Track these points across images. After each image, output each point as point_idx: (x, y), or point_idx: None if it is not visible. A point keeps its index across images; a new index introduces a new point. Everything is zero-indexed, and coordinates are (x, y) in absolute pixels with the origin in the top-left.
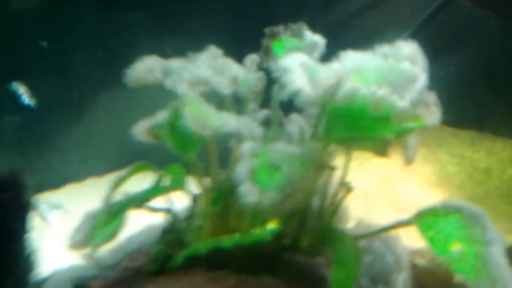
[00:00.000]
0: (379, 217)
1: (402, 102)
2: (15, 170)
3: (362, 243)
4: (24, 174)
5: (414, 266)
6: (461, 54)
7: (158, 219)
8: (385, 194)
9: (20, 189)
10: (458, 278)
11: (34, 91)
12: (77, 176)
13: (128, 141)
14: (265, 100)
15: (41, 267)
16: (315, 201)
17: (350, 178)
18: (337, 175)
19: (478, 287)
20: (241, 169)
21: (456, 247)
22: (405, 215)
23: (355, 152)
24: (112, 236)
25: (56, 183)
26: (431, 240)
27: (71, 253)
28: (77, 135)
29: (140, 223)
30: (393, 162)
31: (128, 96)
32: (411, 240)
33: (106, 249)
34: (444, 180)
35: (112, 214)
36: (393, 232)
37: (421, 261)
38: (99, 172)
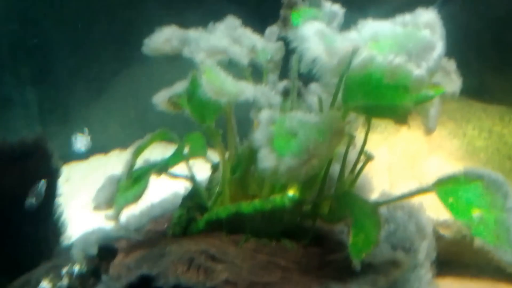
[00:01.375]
0: (403, 191)
1: (418, 71)
2: (41, 137)
3: (385, 212)
4: (49, 141)
5: (439, 237)
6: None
7: (180, 188)
8: (409, 168)
9: (47, 155)
10: (478, 242)
11: (55, 65)
12: (102, 148)
13: (150, 114)
14: (284, 71)
15: (69, 231)
16: (335, 170)
17: (374, 152)
18: (358, 144)
19: (498, 252)
20: (259, 136)
21: (476, 213)
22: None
23: (380, 127)
24: (134, 199)
25: (82, 154)
26: (451, 206)
27: (96, 214)
28: (99, 108)
29: (162, 191)
30: (418, 136)
31: (148, 70)
32: (436, 212)
33: (130, 214)
34: (471, 154)
35: (134, 179)
36: (416, 203)
37: (446, 233)
38: (123, 144)
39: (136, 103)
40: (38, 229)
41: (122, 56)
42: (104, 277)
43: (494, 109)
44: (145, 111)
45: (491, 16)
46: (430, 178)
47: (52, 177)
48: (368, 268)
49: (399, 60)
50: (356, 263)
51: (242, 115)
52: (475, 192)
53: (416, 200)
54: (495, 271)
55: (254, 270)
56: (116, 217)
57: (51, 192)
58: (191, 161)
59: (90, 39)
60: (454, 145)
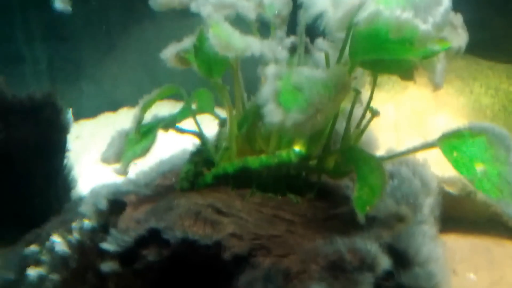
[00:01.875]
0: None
1: (424, 26)
2: (51, 92)
3: (389, 168)
4: (59, 97)
5: (444, 194)
6: None
7: (189, 144)
8: (416, 125)
9: (56, 110)
10: (482, 196)
11: (65, 22)
12: (111, 106)
13: (159, 71)
14: (292, 26)
15: (79, 187)
16: (341, 125)
17: (381, 110)
18: (364, 100)
19: (501, 206)
20: (265, 91)
21: (480, 167)
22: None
23: (387, 85)
24: (142, 153)
25: (91, 112)
26: (455, 160)
27: (105, 170)
28: (108, 66)
29: (171, 147)
30: (425, 94)
31: (157, 28)
32: (441, 169)
33: (139, 170)
34: (477, 112)
35: (142, 133)
36: (421, 159)
37: (451, 189)
38: (132, 102)
39: (146, 61)
40: (48, 184)
41: (132, 13)
42: (113, 231)
43: (501, 67)
44: (154, 69)
45: None
46: (436, 135)
47: (62, 132)
48: (372, 221)
49: (406, 15)
50: (360, 217)
51: (250, 73)
52: (479, 147)
53: (421, 156)
54: (500, 227)
55: (260, 223)
56: (124, 170)
57: (60, 147)
58: (199, 118)
59: None
60: (460, 102)
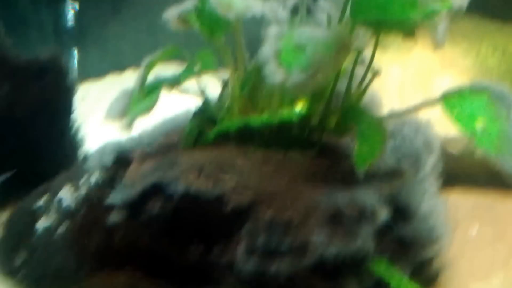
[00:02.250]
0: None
1: None
2: (56, 54)
3: (392, 128)
4: (65, 59)
5: (446, 154)
6: None
7: (191, 105)
8: (421, 86)
9: (62, 71)
10: (480, 152)
11: None
12: (116, 68)
13: (162, 35)
14: None
15: (85, 147)
16: (343, 85)
17: (386, 71)
18: (366, 60)
19: (500, 162)
20: (267, 50)
21: (480, 124)
22: (438, 107)
23: (392, 47)
24: (147, 110)
25: (97, 74)
26: (455, 117)
27: (111, 131)
28: (113, 29)
29: (175, 108)
30: (431, 55)
31: None
32: (445, 129)
33: (142, 130)
34: (483, 73)
35: (147, 92)
36: (424, 119)
37: (454, 149)
38: (137, 64)
39: (150, 24)
40: (55, 143)
41: None
42: (118, 184)
43: (509, 28)
44: (158, 32)
45: None
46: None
47: (68, 93)
48: (372, 177)
49: None
50: (360, 172)
51: (252, 34)
52: (480, 104)
53: (424, 116)
54: (502, 185)
55: (261, 178)
56: (129, 126)
57: (67, 108)
58: (203, 81)
59: None
60: (466, 63)
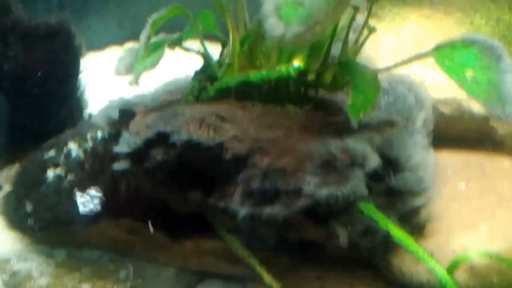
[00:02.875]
0: (406, 72)
1: None
2: (65, 19)
3: (386, 85)
4: (71, 24)
5: (439, 114)
6: None
7: (192, 66)
8: (415, 53)
9: (70, 34)
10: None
11: None
12: (117, 41)
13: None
14: None
15: (89, 109)
16: (339, 44)
17: (382, 39)
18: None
19: (488, 108)
20: (267, 6)
21: (470, 74)
22: (433, 72)
23: (388, 17)
24: (152, 66)
25: (98, 46)
26: (446, 68)
27: (112, 94)
28: (115, 4)
29: (176, 70)
30: (426, 25)
31: None
32: (437, 91)
33: (146, 90)
34: None
35: (151, 49)
36: (418, 80)
37: (445, 110)
38: (136, 37)
39: (150, 2)
40: (63, 102)
41: None
42: (124, 133)
43: (503, 0)
44: (158, 8)
45: None
46: (434, 63)
47: (75, 55)
48: (365, 127)
49: None
50: (354, 122)
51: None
52: (470, 56)
53: (416, 76)
54: (490, 144)
55: (259, 129)
56: (136, 81)
57: (74, 69)
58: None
59: None
60: (460, 33)
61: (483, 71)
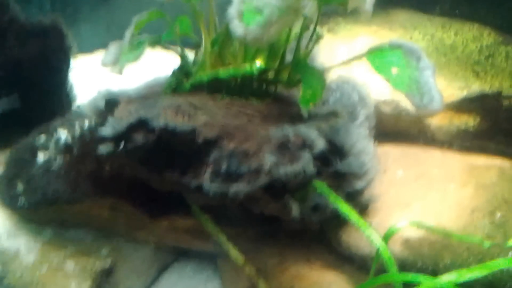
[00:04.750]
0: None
1: None
2: (57, 19)
3: (334, 85)
4: (63, 24)
5: (380, 113)
6: None
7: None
8: (364, 63)
9: (62, 34)
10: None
11: None
12: (105, 44)
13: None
14: None
15: (81, 100)
16: (293, 47)
17: (335, 51)
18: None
19: (409, 98)
20: (232, 11)
21: (395, 71)
22: (377, 78)
23: (342, 32)
24: (135, 59)
25: (87, 49)
26: (376, 66)
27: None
28: (103, 11)
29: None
30: (373, 40)
31: None
32: (379, 93)
33: (128, 86)
34: None
35: (135, 45)
36: (362, 81)
37: (386, 109)
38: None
39: (135, 9)
40: (54, 94)
41: None
42: (109, 118)
43: (437, 19)
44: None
45: None
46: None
47: (66, 52)
48: (314, 117)
49: None
50: (304, 112)
51: (221, 6)
52: (396, 57)
53: (361, 79)
54: (425, 139)
55: (227, 116)
56: (120, 71)
57: (65, 65)
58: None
59: None
60: None
61: (406, 68)
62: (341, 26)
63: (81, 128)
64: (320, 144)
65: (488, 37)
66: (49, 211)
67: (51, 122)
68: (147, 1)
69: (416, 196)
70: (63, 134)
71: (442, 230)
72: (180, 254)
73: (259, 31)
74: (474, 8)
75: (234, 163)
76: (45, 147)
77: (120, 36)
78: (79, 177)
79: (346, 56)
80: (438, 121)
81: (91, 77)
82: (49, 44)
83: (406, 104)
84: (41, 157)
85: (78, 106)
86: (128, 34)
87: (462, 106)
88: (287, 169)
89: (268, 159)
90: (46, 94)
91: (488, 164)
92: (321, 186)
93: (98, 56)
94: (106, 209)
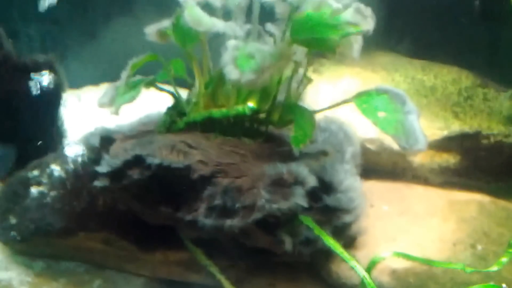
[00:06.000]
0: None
1: (336, 4)
2: (51, 57)
3: (323, 125)
4: (56, 61)
5: (366, 150)
6: None
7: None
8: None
9: (55, 71)
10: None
11: (56, 9)
12: (93, 81)
13: (134, 56)
14: (248, 17)
15: (71, 134)
16: (284, 89)
17: (321, 90)
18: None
19: (396, 140)
20: (226, 56)
21: (381, 114)
22: (362, 118)
23: (327, 73)
24: (130, 100)
25: (76, 85)
26: (363, 110)
27: (86, 128)
28: (92, 48)
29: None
30: (356, 81)
31: (135, 23)
32: (364, 131)
33: (122, 124)
34: None
35: (130, 86)
36: (348, 121)
37: (371, 146)
38: (110, 79)
39: (123, 47)
40: (46, 130)
41: (113, 9)
42: (105, 156)
43: (418, 62)
44: (130, 54)
45: None
46: None
47: (58, 89)
48: (305, 155)
49: None
50: (296, 151)
51: (214, 51)
52: (382, 101)
53: (347, 119)
54: (410, 174)
55: (220, 155)
56: (117, 111)
57: (56, 101)
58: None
59: None
60: None
61: (392, 112)
62: (325, 67)
63: (75, 163)
64: (311, 181)
65: (466, 79)
66: (41, 244)
67: (43, 157)
68: (134, 40)
69: (401, 230)
70: (56, 169)
71: (426, 259)
72: (172, 285)
73: (253, 76)
74: (452, 52)
75: (229, 199)
76: (38, 182)
77: (107, 73)
78: (72, 211)
79: (331, 96)
80: (420, 159)
81: (77, 112)
82: (42, 81)
83: (389, 142)
84: (34, 191)
85: (70, 142)
86: (124, 75)
87: (443, 145)
88: (280, 205)
89: (263, 195)
90: (37, 130)
91: (468, 199)
92: (307, 220)
93: (87, 92)
94: (98, 243)
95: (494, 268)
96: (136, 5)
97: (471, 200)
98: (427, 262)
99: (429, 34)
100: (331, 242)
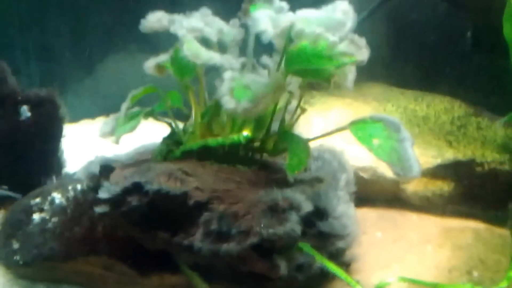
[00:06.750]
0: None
1: (333, 37)
2: (52, 91)
3: (316, 153)
4: (57, 95)
5: (359, 178)
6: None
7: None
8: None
9: (56, 105)
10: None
11: (54, 47)
12: (89, 115)
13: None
14: (243, 50)
15: (70, 165)
16: (279, 118)
17: (312, 121)
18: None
19: (390, 166)
20: (223, 87)
21: (376, 141)
22: (354, 147)
23: (318, 104)
24: (130, 130)
25: (73, 119)
26: (359, 137)
27: (84, 161)
28: (89, 83)
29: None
30: (347, 112)
31: (131, 58)
32: (357, 160)
33: (119, 154)
34: None
35: (130, 117)
36: (341, 149)
37: (364, 175)
38: (106, 113)
39: (120, 82)
40: (47, 161)
41: (110, 44)
42: (105, 183)
43: (410, 93)
44: (126, 89)
45: (410, 22)
46: (354, 140)
47: (59, 122)
48: (299, 182)
49: (319, 30)
50: (290, 178)
51: (209, 84)
52: (377, 129)
53: (340, 147)
54: (403, 202)
55: (217, 182)
56: (117, 141)
57: (57, 133)
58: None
59: (84, 26)
60: None
61: (386, 140)
62: (316, 98)
63: (75, 191)
64: (306, 206)
65: (459, 109)
66: (43, 268)
67: (45, 186)
68: (129, 73)
69: (395, 258)
70: (57, 197)
71: (433, 283)
72: None
73: (249, 106)
74: (444, 83)
75: (225, 224)
76: (40, 209)
77: (104, 107)
78: (72, 236)
79: (323, 126)
80: (413, 187)
81: (78, 144)
82: (44, 114)
83: (382, 170)
84: (36, 217)
85: (69, 173)
86: (124, 107)
87: (437, 172)
88: (276, 230)
89: (258, 220)
90: (39, 162)
91: (463, 226)
92: (305, 246)
93: (84, 125)
94: (98, 267)
95: (504, 284)
96: (130, 43)
97: (466, 227)
98: (434, 285)
99: (424, 65)
100: (333, 267)
